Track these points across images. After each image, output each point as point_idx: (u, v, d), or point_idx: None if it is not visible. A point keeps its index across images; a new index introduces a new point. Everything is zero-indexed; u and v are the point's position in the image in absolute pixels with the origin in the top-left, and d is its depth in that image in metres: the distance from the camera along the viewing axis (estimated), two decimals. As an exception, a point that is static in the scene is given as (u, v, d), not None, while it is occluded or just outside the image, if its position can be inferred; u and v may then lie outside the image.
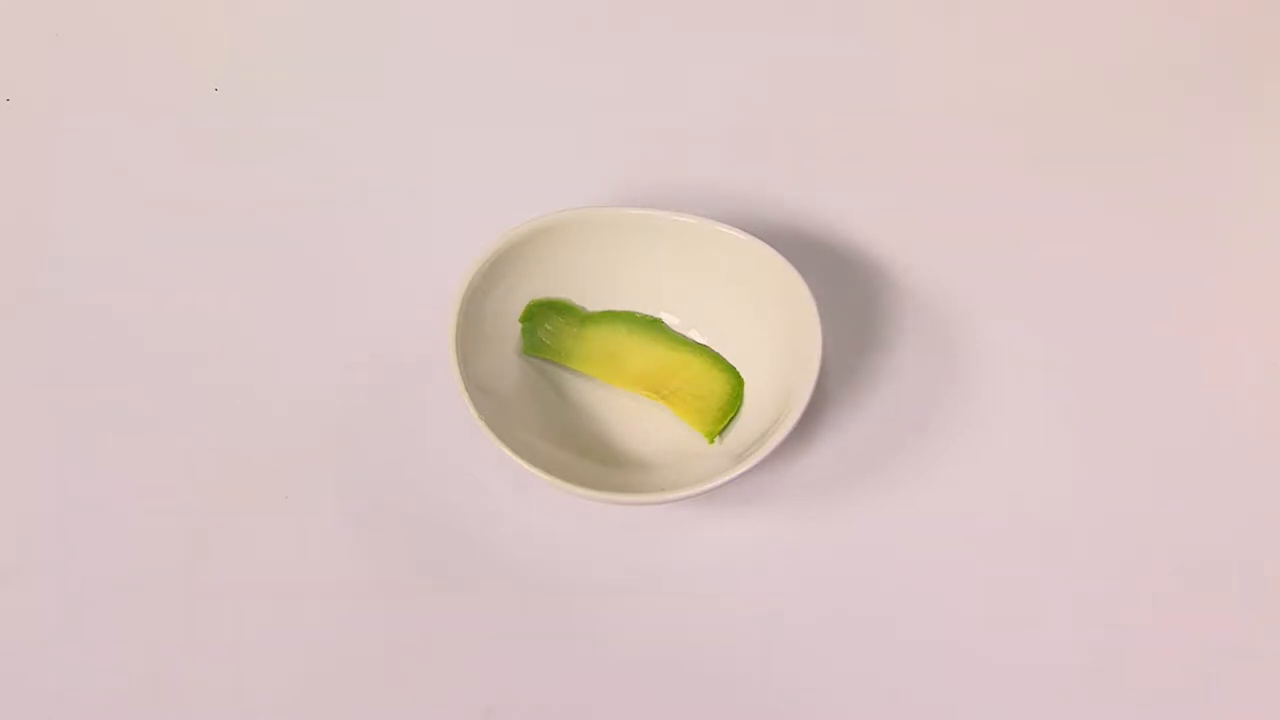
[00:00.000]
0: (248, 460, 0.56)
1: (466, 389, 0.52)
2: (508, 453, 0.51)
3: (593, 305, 0.58)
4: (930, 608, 0.53)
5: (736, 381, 0.56)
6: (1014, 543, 0.54)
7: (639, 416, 0.56)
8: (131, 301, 0.60)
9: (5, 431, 0.58)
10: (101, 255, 0.61)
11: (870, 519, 0.55)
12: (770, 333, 0.55)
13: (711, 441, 0.55)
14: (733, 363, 0.57)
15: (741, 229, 0.55)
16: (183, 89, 0.65)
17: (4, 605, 0.54)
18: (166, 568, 0.55)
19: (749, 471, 0.50)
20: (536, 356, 0.57)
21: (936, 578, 0.54)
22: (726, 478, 0.50)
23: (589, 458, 0.55)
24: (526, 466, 0.51)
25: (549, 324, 0.57)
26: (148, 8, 0.67)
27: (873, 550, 0.54)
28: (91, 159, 0.64)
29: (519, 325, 0.57)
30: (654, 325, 0.57)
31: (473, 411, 0.52)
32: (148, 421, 0.57)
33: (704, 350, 0.57)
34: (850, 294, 0.59)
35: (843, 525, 0.55)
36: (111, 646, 0.53)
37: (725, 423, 0.56)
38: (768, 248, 0.54)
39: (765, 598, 0.54)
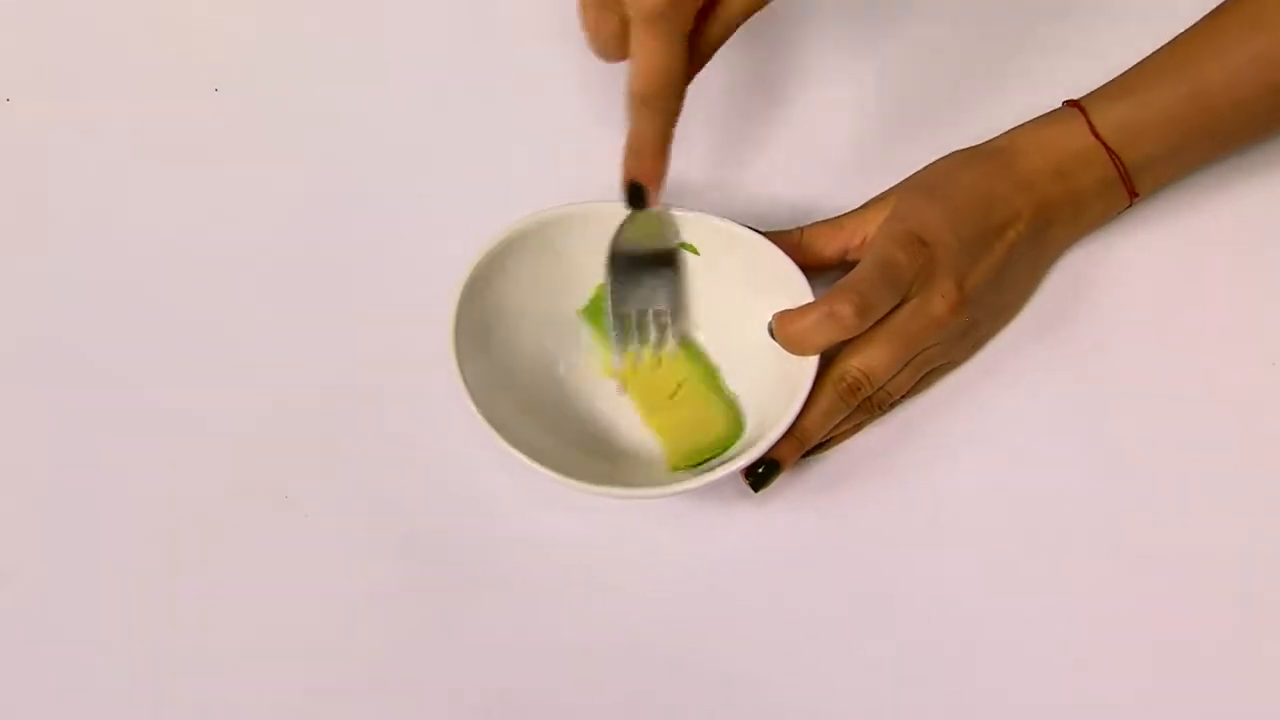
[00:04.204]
0: (248, 460, 0.56)
1: (466, 385, 0.52)
2: (508, 448, 0.51)
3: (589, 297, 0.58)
4: (930, 603, 0.53)
5: (733, 426, 0.55)
6: (1016, 539, 0.54)
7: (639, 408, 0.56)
8: (131, 301, 0.60)
9: (6, 432, 0.58)
10: (101, 255, 0.61)
11: (870, 515, 0.55)
12: (766, 323, 0.54)
13: (672, 469, 0.55)
14: (730, 356, 0.56)
15: (740, 222, 0.55)
16: (183, 89, 0.65)
17: (4, 605, 0.54)
18: (167, 568, 0.55)
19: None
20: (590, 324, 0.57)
21: (938, 574, 0.54)
22: (725, 472, 0.50)
23: (588, 452, 0.55)
24: (526, 460, 0.50)
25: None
26: (148, 8, 0.67)
27: (873, 546, 0.54)
28: (91, 159, 0.64)
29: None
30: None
31: (471, 406, 0.51)
32: (148, 422, 0.57)
33: (712, 377, 0.57)
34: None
35: (842, 522, 0.55)
36: (111, 646, 0.53)
37: (700, 461, 0.55)
38: (765, 240, 0.54)
39: (767, 594, 0.54)
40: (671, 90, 0.49)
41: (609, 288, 0.55)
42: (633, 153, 0.52)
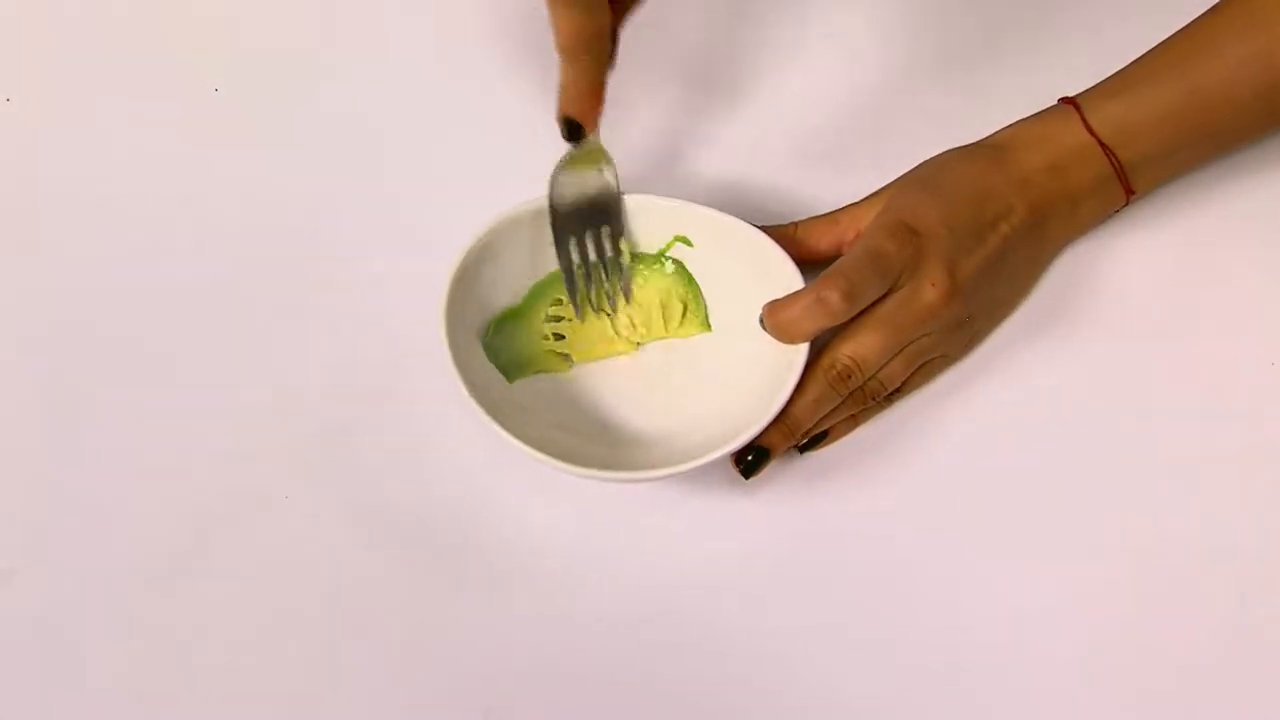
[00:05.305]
0: (248, 460, 0.57)
1: (461, 374, 0.52)
2: (504, 434, 0.51)
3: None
4: (922, 597, 0.53)
5: (674, 270, 0.57)
6: (1011, 535, 0.54)
7: (632, 394, 0.57)
8: (131, 301, 0.60)
9: (5, 432, 0.58)
10: (101, 255, 0.61)
11: (862, 507, 0.55)
12: (758, 314, 0.54)
13: (709, 329, 0.57)
14: (721, 346, 0.57)
15: (734, 215, 0.55)
16: (183, 89, 0.65)
17: (4, 605, 0.54)
18: (167, 568, 0.55)
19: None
20: (523, 377, 0.57)
21: (930, 567, 0.54)
22: (715, 456, 0.50)
23: (582, 437, 0.55)
24: (521, 446, 0.51)
25: (506, 344, 0.57)
26: (148, 8, 0.67)
27: (864, 537, 0.54)
28: (91, 159, 0.64)
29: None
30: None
31: (464, 391, 0.52)
32: (148, 422, 0.57)
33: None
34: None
35: (833, 512, 0.55)
36: (112, 646, 0.53)
37: (703, 307, 0.57)
38: (760, 234, 0.54)
39: (757, 583, 0.54)
40: (590, 45, 0.51)
41: (556, 243, 0.56)
42: (566, 97, 0.53)
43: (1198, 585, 0.53)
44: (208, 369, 0.59)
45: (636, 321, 0.57)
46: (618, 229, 0.56)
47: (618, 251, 0.57)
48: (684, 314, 0.57)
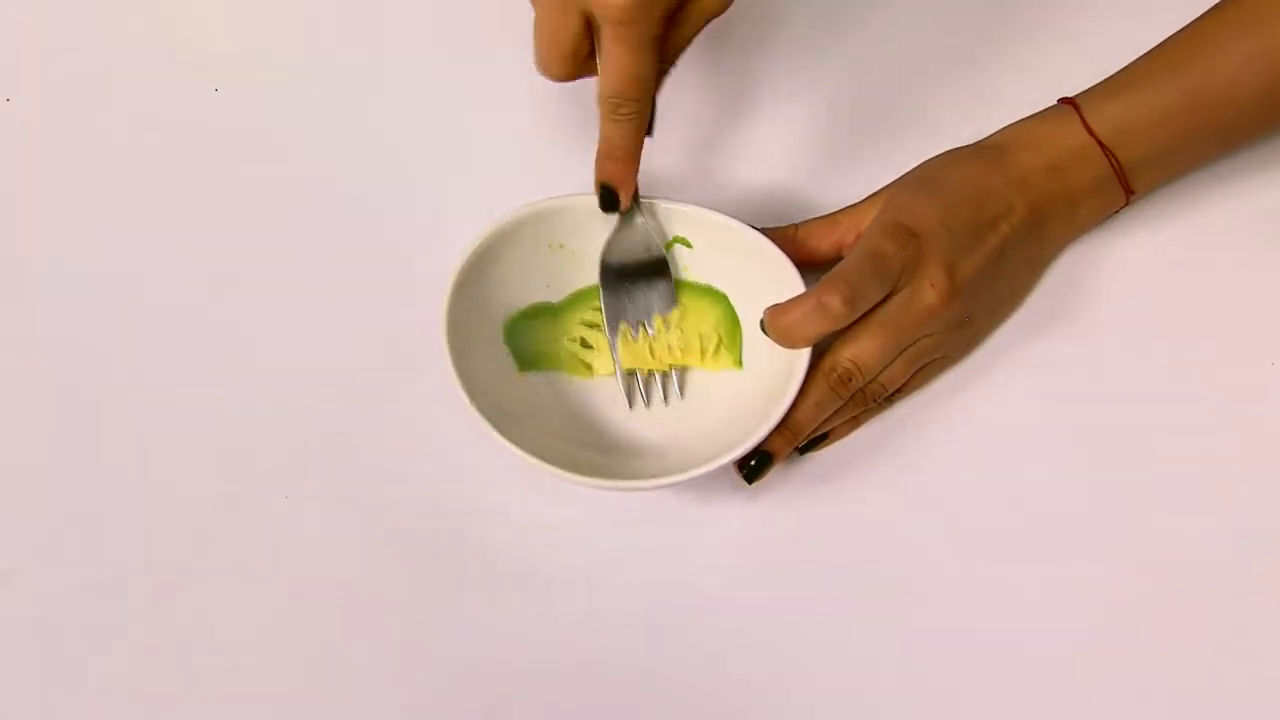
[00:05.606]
0: (248, 460, 0.57)
1: (461, 380, 0.52)
2: (504, 442, 0.51)
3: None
4: (922, 599, 0.53)
5: (721, 299, 0.56)
6: (1010, 536, 0.54)
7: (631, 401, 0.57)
8: (131, 301, 0.60)
9: (6, 432, 0.58)
10: (101, 255, 0.61)
11: (863, 510, 0.55)
12: (758, 318, 0.54)
13: (741, 367, 0.56)
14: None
15: (735, 218, 0.55)
16: (183, 89, 0.65)
17: (4, 605, 0.54)
18: (167, 568, 0.55)
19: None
20: (535, 371, 0.57)
21: (930, 570, 0.54)
22: (718, 464, 0.50)
23: (583, 446, 0.55)
24: (522, 454, 0.51)
25: (529, 334, 0.57)
26: (147, 8, 0.67)
27: (865, 540, 0.54)
28: (92, 159, 0.64)
29: (514, 312, 0.57)
30: None
31: (465, 398, 0.52)
32: (148, 422, 0.57)
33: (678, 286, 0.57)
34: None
35: (835, 515, 0.55)
36: (112, 646, 0.54)
37: (739, 344, 0.56)
38: (760, 236, 0.54)
39: (759, 587, 0.54)
40: (642, 95, 0.50)
41: (602, 302, 0.56)
42: (604, 157, 0.53)
43: (1197, 585, 0.53)
44: (208, 369, 0.59)
45: (675, 346, 0.56)
46: (665, 306, 0.56)
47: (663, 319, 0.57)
48: (718, 347, 0.56)
